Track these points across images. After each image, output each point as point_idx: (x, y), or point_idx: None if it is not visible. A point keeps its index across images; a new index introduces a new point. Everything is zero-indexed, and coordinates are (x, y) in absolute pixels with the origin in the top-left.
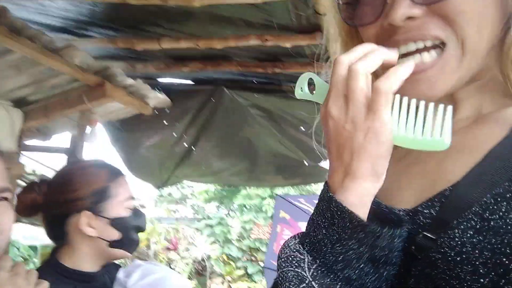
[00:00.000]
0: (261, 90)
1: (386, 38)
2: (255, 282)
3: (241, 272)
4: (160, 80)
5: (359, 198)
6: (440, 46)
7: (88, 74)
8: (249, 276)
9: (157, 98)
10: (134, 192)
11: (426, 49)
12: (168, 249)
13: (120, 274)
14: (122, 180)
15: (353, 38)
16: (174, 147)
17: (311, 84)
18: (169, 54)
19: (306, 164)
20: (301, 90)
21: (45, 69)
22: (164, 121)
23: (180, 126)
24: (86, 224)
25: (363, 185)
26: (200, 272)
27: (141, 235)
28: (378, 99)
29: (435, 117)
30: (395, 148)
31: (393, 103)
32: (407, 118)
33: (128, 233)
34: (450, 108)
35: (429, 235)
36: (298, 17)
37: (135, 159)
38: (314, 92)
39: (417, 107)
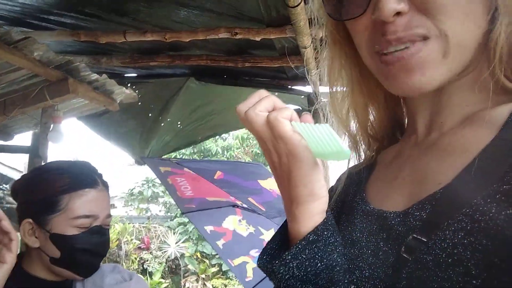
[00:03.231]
0: (230, 82)
1: (378, 36)
2: (230, 279)
3: (216, 269)
4: (127, 75)
5: (309, 221)
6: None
7: (49, 69)
8: (224, 273)
9: (123, 93)
10: (100, 210)
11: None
12: (140, 248)
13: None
14: (82, 194)
15: (339, 31)
16: (149, 124)
17: None
18: (135, 48)
19: None
20: None
21: (2, 63)
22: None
23: (155, 109)
24: (28, 232)
25: (308, 207)
26: (174, 270)
27: (112, 236)
28: (280, 127)
29: (330, 133)
30: (384, 153)
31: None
32: (315, 138)
33: (71, 254)
34: (326, 125)
35: (419, 237)
36: (268, 10)
37: (116, 138)
38: None
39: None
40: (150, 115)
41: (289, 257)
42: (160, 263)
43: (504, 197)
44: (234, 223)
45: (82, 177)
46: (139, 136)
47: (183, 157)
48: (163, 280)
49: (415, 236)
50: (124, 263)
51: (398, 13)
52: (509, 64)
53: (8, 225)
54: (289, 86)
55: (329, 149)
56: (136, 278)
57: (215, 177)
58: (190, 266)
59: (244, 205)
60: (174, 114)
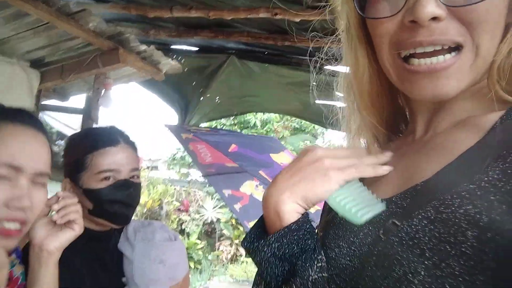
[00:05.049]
0: (270, 61)
1: (405, 37)
2: None
3: None
4: (173, 46)
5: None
6: (456, 48)
7: (102, 39)
8: None
9: (169, 64)
10: (121, 165)
11: (442, 50)
12: (180, 210)
13: (129, 228)
14: (103, 152)
15: (360, 29)
16: (190, 95)
17: None
18: (181, 22)
19: None
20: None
21: (61, 32)
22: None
23: (197, 81)
24: (68, 189)
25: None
26: (209, 233)
27: (154, 196)
28: (332, 172)
29: (368, 205)
30: (387, 146)
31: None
32: (351, 195)
33: (101, 205)
34: (382, 205)
35: (396, 221)
36: None
37: (170, 102)
38: None
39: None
40: (192, 87)
41: (273, 239)
42: (197, 226)
43: (468, 195)
44: (251, 188)
45: (103, 138)
46: (183, 104)
47: (223, 128)
48: (199, 241)
49: (393, 221)
50: (164, 222)
51: (434, 18)
52: (508, 77)
53: (72, 201)
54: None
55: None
56: (179, 239)
57: (230, 150)
58: (225, 231)
59: None
60: (214, 90)
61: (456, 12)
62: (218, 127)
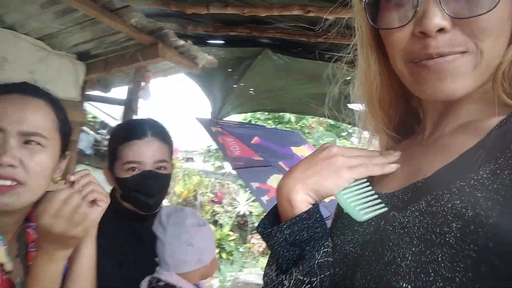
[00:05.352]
0: (302, 55)
1: (417, 48)
2: None
3: None
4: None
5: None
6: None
7: (143, 34)
8: None
9: (205, 59)
10: (145, 157)
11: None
12: (214, 201)
13: (163, 213)
14: (130, 145)
15: (372, 37)
16: (225, 87)
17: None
18: (217, 18)
19: None
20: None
21: (105, 27)
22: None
23: (232, 74)
24: (107, 176)
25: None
26: (241, 226)
27: (189, 186)
28: (343, 170)
29: (372, 205)
30: (400, 145)
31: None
32: (358, 192)
33: (129, 193)
34: (384, 207)
35: (395, 213)
36: None
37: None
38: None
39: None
40: (226, 78)
41: (285, 226)
42: (230, 217)
43: (457, 191)
44: (277, 181)
45: (132, 131)
46: (218, 96)
47: (257, 122)
48: (231, 233)
49: (394, 213)
50: (198, 213)
51: (441, 30)
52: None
53: (96, 185)
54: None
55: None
56: (208, 225)
57: (252, 142)
58: (257, 224)
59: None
60: (247, 80)
61: (461, 23)
62: (252, 121)
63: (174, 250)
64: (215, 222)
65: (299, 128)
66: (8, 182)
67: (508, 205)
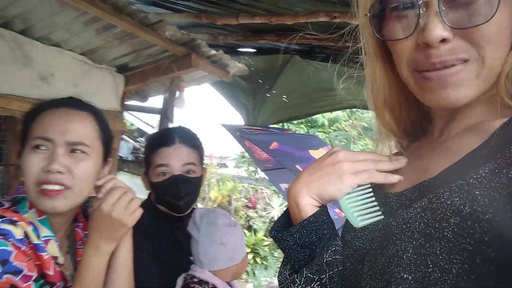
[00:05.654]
0: (328, 59)
1: (421, 58)
2: None
3: None
4: (239, 49)
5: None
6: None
7: (177, 46)
8: None
9: (236, 67)
10: (172, 162)
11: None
12: (248, 206)
13: (196, 214)
14: (159, 151)
15: (378, 46)
16: (258, 95)
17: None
18: (246, 27)
19: None
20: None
21: (142, 41)
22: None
23: (263, 81)
24: (144, 181)
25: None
26: None
27: (223, 192)
28: (346, 175)
29: (371, 212)
30: (411, 147)
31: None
32: (360, 198)
33: (160, 196)
34: (381, 215)
35: (402, 211)
36: None
37: (235, 104)
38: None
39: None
40: (257, 86)
41: (294, 230)
42: (264, 222)
43: (457, 189)
44: None
45: (161, 139)
46: (251, 105)
47: (290, 127)
48: (265, 238)
49: (401, 211)
50: (233, 218)
51: (442, 40)
52: None
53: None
54: None
55: (352, 210)
56: (239, 226)
57: (270, 147)
58: None
59: None
60: (279, 87)
61: (462, 32)
62: (285, 126)
63: (207, 248)
64: (249, 227)
65: (332, 131)
66: (57, 187)
67: (504, 202)
